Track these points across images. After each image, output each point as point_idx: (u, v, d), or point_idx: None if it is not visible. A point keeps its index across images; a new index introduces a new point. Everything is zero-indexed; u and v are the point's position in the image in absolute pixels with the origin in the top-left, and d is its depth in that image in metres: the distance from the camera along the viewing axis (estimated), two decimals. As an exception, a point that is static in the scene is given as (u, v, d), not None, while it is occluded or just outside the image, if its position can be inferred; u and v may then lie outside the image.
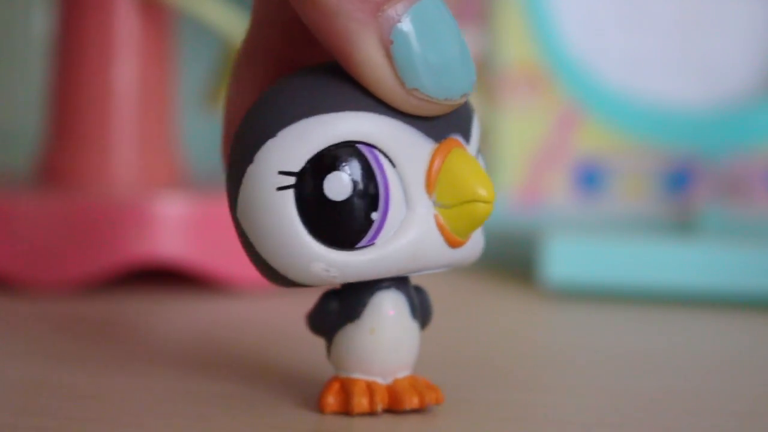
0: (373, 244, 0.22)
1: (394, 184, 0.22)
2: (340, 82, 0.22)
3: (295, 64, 0.25)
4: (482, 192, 0.22)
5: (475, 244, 0.23)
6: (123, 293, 0.38)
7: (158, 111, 0.42)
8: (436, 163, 0.22)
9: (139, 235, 0.38)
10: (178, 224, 0.38)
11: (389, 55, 0.22)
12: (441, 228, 0.22)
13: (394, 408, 0.23)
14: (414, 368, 0.24)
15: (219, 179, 0.47)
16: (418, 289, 0.25)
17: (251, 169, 0.22)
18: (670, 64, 0.52)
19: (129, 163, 0.41)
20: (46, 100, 0.43)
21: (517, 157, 0.47)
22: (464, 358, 0.30)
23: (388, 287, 0.23)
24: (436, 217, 0.22)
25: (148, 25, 0.41)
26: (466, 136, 0.23)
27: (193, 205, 0.38)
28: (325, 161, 0.22)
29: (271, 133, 0.22)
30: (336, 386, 0.24)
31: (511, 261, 0.44)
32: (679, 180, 0.50)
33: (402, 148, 0.22)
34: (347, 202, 0.22)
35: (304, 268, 0.22)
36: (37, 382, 0.26)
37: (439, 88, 0.22)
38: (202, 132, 0.53)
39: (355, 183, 0.22)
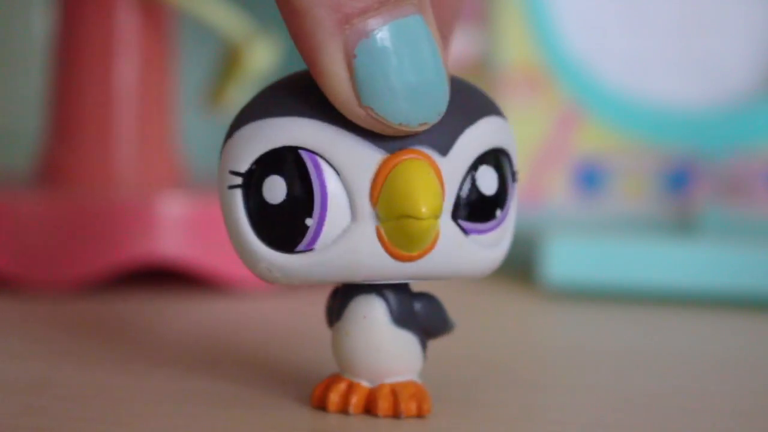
0: (312, 249, 0.22)
1: (335, 192, 0.22)
2: (301, 90, 0.22)
3: None
4: (418, 208, 0.21)
5: (460, 259, 0.23)
6: (123, 293, 0.38)
7: (158, 111, 0.42)
8: (381, 175, 0.22)
9: (139, 235, 0.38)
10: (179, 224, 0.38)
11: (351, 69, 0.21)
12: (381, 240, 0.22)
13: (370, 411, 0.24)
14: (417, 374, 0.24)
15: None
16: (425, 298, 0.24)
17: (219, 167, 0.23)
18: (670, 64, 0.52)
19: (129, 163, 0.41)
20: (46, 100, 0.43)
21: (517, 157, 0.47)
22: (464, 358, 0.30)
23: (367, 292, 0.23)
24: (377, 229, 0.22)
25: (148, 25, 0.41)
26: (442, 148, 0.22)
27: (193, 205, 0.38)
28: (266, 164, 0.22)
29: (230, 133, 0.23)
30: (326, 382, 0.24)
31: (511, 261, 0.44)
32: (679, 180, 0.50)
33: (348, 157, 0.22)
34: (282, 205, 0.22)
35: (253, 266, 0.23)
36: (37, 382, 0.26)
37: (396, 112, 0.21)
38: (202, 132, 0.53)
39: (290, 187, 0.22)
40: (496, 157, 0.23)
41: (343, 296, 0.24)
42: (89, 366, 0.28)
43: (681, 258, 0.40)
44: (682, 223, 0.49)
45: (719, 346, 0.35)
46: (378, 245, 0.22)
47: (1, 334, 0.32)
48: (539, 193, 0.49)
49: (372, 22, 0.21)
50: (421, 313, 0.24)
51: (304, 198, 0.22)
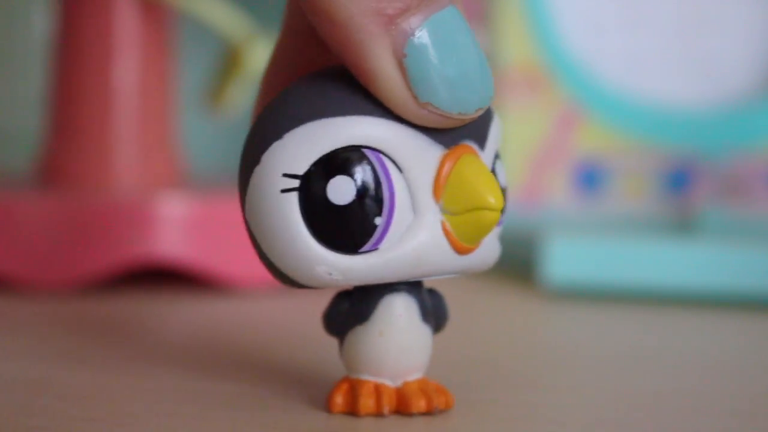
0: (377, 248, 0.22)
1: (400, 189, 0.22)
2: (348, 86, 0.22)
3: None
4: (489, 200, 0.22)
5: (487, 251, 0.23)
6: (123, 293, 0.38)
7: (158, 111, 0.42)
8: (444, 169, 0.22)
9: (139, 235, 0.38)
10: (179, 224, 0.38)
11: (402, 69, 0.21)
12: (447, 234, 0.22)
13: (401, 411, 0.23)
14: (426, 371, 0.24)
15: (219, 179, 0.47)
16: (433, 293, 0.24)
17: (258, 171, 0.22)
18: (670, 64, 0.52)
19: (129, 163, 0.41)
20: (46, 100, 0.43)
21: (517, 157, 0.47)
22: (464, 358, 0.30)
23: (398, 290, 0.23)
24: (442, 223, 0.22)
25: (148, 25, 0.41)
26: (481, 142, 0.23)
27: (194, 205, 0.38)
28: (329, 165, 0.22)
29: (277, 135, 0.22)
30: (345, 387, 0.24)
31: (511, 261, 0.44)
32: (679, 180, 0.50)
33: (409, 154, 0.22)
34: (351, 206, 0.22)
35: (307, 270, 0.22)
36: (37, 382, 0.26)
37: (454, 102, 0.22)
38: (202, 132, 0.53)
39: (359, 187, 0.22)
40: (498, 153, 0.24)
41: (366, 297, 0.23)
42: (89, 366, 0.28)
43: (681, 258, 0.40)
44: (682, 223, 0.49)
45: (719, 346, 0.35)
46: (443, 239, 0.22)
47: (1, 334, 0.32)
48: (539, 193, 0.49)
49: (414, 20, 0.21)
50: (433, 309, 0.24)
51: (373, 197, 0.22)
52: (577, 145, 0.50)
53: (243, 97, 0.44)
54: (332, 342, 0.26)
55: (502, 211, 0.23)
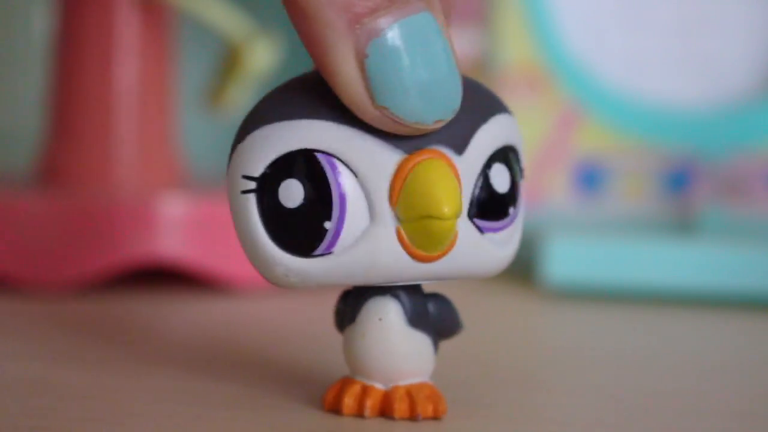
0: (330, 252, 0.22)
1: (353, 194, 0.22)
2: (314, 91, 0.22)
3: None
4: (441, 208, 0.21)
5: (468, 259, 0.23)
6: (123, 293, 0.38)
7: (158, 111, 0.42)
8: (400, 175, 0.22)
9: (139, 235, 0.38)
10: (179, 224, 0.38)
11: (363, 69, 0.21)
12: (402, 241, 0.22)
13: (386, 414, 0.23)
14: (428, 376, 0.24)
15: (219, 179, 0.47)
16: (439, 299, 0.24)
17: (228, 172, 0.23)
18: (670, 64, 0.52)
19: (129, 163, 0.41)
20: (46, 100, 0.43)
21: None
22: (464, 358, 0.30)
23: (383, 294, 0.23)
24: (397, 230, 0.22)
25: (148, 25, 0.41)
26: (459, 147, 0.22)
27: (194, 205, 0.38)
28: (281, 167, 0.22)
29: (242, 137, 0.23)
30: (338, 385, 0.24)
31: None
32: (679, 180, 0.50)
33: (365, 159, 0.22)
34: (299, 209, 0.22)
35: (269, 271, 0.23)
36: (37, 382, 0.26)
37: (410, 110, 0.21)
38: (202, 132, 0.53)
39: (307, 191, 0.22)
40: (506, 155, 0.23)
41: (356, 298, 0.24)
42: (89, 366, 0.28)
43: (681, 258, 0.40)
44: (682, 223, 0.49)
45: (719, 346, 0.35)
46: (398, 246, 0.22)
47: (1, 334, 0.32)
48: (539, 193, 0.49)
49: (382, 21, 0.21)
50: (434, 314, 0.24)
51: (322, 201, 0.22)
52: (577, 145, 0.50)
53: (243, 97, 0.44)
54: (331, 342, 0.26)
55: (504, 215, 0.22)
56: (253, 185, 0.22)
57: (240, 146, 0.23)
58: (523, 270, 0.43)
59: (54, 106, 0.42)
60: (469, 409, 0.25)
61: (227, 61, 0.43)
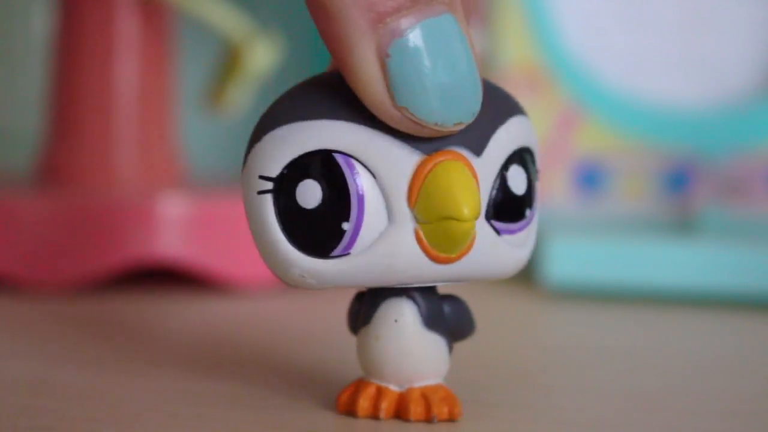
0: (348, 254, 0.22)
1: (371, 195, 0.22)
2: (333, 91, 0.22)
3: None
4: (461, 210, 0.21)
5: (486, 261, 0.23)
6: (123, 293, 0.38)
7: (158, 111, 0.42)
8: (419, 176, 0.22)
9: (139, 235, 0.38)
10: (179, 224, 0.38)
11: (384, 69, 0.21)
12: (420, 243, 0.22)
13: (400, 416, 0.23)
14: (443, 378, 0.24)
15: (219, 179, 0.47)
16: (454, 300, 0.24)
17: (244, 172, 0.23)
18: (670, 64, 0.52)
19: (129, 162, 0.41)
20: (46, 100, 0.43)
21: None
22: (463, 359, 0.30)
23: (398, 295, 0.23)
24: (416, 231, 0.22)
25: (148, 25, 0.41)
26: (477, 149, 0.22)
27: (194, 205, 0.38)
28: (299, 168, 0.22)
29: (258, 137, 0.22)
30: (352, 387, 0.24)
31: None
32: (679, 180, 0.50)
33: (384, 160, 0.22)
34: (317, 210, 0.22)
35: (285, 272, 0.22)
36: (37, 382, 0.26)
37: (430, 112, 0.21)
38: (202, 132, 0.53)
39: (325, 192, 0.22)
40: (523, 156, 0.23)
41: (371, 300, 0.23)
42: (89, 366, 0.28)
43: (681, 258, 0.40)
44: (682, 223, 0.49)
45: (719, 346, 0.35)
46: (416, 248, 0.22)
47: (1, 334, 0.32)
48: (539, 193, 0.49)
49: (405, 22, 0.21)
50: (449, 316, 0.24)
51: (340, 202, 0.22)
52: (577, 145, 0.50)
53: (243, 97, 0.44)
54: (332, 341, 0.26)
55: (521, 217, 0.22)
56: (270, 186, 0.22)
57: (257, 146, 0.22)
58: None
59: (54, 106, 0.42)
60: (468, 408, 0.25)
61: (227, 61, 0.43)
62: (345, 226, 0.22)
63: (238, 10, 0.43)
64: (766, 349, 0.34)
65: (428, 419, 0.23)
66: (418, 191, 0.22)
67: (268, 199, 0.22)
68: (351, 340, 0.25)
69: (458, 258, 0.22)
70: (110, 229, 0.38)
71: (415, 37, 0.21)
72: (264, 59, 0.43)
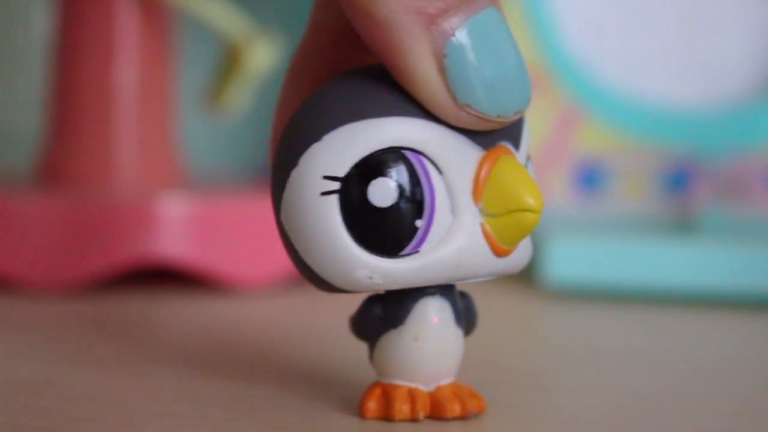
0: (417, 251, 0.22)
1: (440, 191, 0.22)
2: (386, 87, 0.22)
3: (348, 68, 0.24)
4: (530, 201, 0.22)
5: (521, 253, 0.23)
6: (123, 293, 0.38)
7: (158, 111, 0.42)
8: (484, 170, 0.22)
9: (139, 235, 0.38)
10: (179, 224, 0.38)
11: (442, 70, 0.21)
12: (487, 237, 0.22)
13: (435, 416, 0.23)
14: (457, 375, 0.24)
15: (219, 179, 0.47)
16: (465, 296, 0.24)
17: (296, 173, 0.22)
18: (670, 64, 0.52)
19: (129, 163, 0.41)
20: (46, 100, 0.43)
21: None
22: (463, 358, 0.30)
23: (433, 294, 0.23)
24: (482, 225, 0.22)
25: (148, 25, 0.41)
26: (516, 143, 0.23)
27: (194, 205, 0.38)
28: (370, 166, 0.22)
29: (317, 136, 0.22)
30: (378, 392, 0.23)
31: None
32: (679, 180, 0.50)
33: (449, 155, 0.22)
34: (392, 208, 0.22)
35: (347, 274, 0.22)
36: (37, 382, 0.26)
37: (493, 104, 0.21)
38: (202, 132, 0.53)
39: (400, 189, 0.22)
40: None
41: (399, 301, 0.23)
42: (89, 366, 0.28)
43: (681, 258, 0.40)
44: (682, 223, 0.49)
45: (719, 346, 0.35)
46: (483, 242, 0.22)
47: (1, 334, 0.32)
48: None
49: (455, 20, 0.21)
50: (465, 312, 0.24)
51: (415, 200, 0.22)
52: (577, 145, 0.50)
53: (243, 97, 0.44)
54: (332, 341, 0.26)
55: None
56: (336, 186, 0.22)
57: (315, 146, 0.22)
58: (523, 270, 0.43)
59: (54, 106, 0.42)
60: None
61: (227, 61, 0.43)
62: (418, 223, 0.22)
63: (238, 10, 0.43)
64: (766, 349, 0.34)
65: (464, 416, 0.23)
66: (483, 186, 0.22)
67: (333, 199, 0.22)
68: (352, 340, 0.25)
69: (513, 250, 0.23)
70: (110, 229, 0.38)
71: (467, 34, 0.21)
72: (264, 59, 0.43)
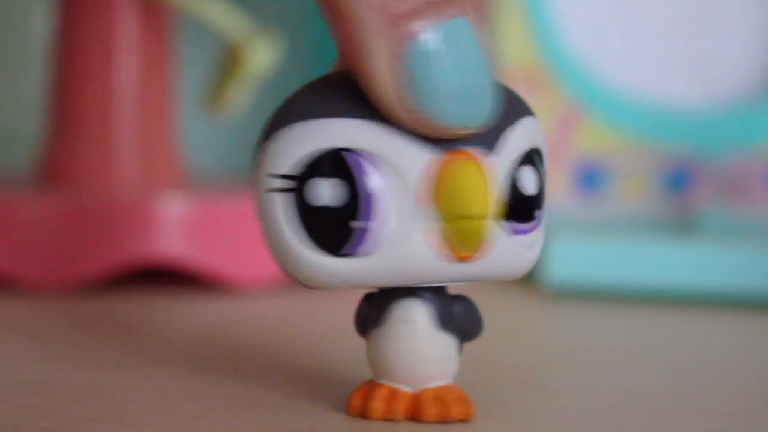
0: (358, 253, 0.22)
1: (382, 193, 0.22)
2: (344, 90, 0.22)
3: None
4: (470, 209, 0.21)
5: (502, 260, 0.23)
6: (123, 293, 0.38)
7: (158, 111, 0.42)
8: (431, 175, 0.22)
9: (139, 234, 0.38)
10: (179, 224, 0.38)
11: (395, 71, 0.21)
12: (433, 241, 0.22)
13: (415, 418, 0.23)
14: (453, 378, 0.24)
15: (219, 179, 0.47)
16: (463, 300, 0.24)
17: (253, 171, 0.23)
18: (670, 64, 0.52)
19: (129, 163, 0.41)
20: (46, 100, 0.43)
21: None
22: (464, 359, 0.30)
23: (412, 296, 0.23)
24: (427, 230, 0.22)
25: (148, 25, 0.41)
26: (491, 146, 0.22)
27: (194, 205, 0.38)
28: (309, 166, 0.22)
29: (269, 135, 0.23)
30: (363, 389, 0.24)
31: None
32: (679, 180, 0.50)
33: (396, 158, 0.22)
34: (324, 208, 0.22)
35: (296, 270, 0.22)
36: (37, 382, 0.26)
37: (441, 115, 0.21)
38: (202, 132, 0.53)
39: (334, 190, 0.22)
40: (532, 157, 0.23)
41: (382, 301, 0.23)
42: (89, 366, 0.28)
43: (681, 258, 0.40)
44: (682, 223, 0.49)
45: (719, 346, 0.35)
46: (428, 246, 0.22)
47: (1, 334, 0.32)
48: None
49: (418, 24, 0.21)
50: (459, 316, 0.24)
51: (349, 201, 0.22)
52: (577, 145, 0.50)
53: (243, 97, 0.44)
54: (333, 341, 0.26)
55: (531, 217, 0.22)
56: (279, 183, 0.22)
57: (267, 144, 0.22)
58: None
59: (54, 106, 0.42)
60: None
61: (227, 61, 0.43)
62: (354, 224, 0.22)
63: (238, 10, 0.43)
64: (766, 349, 0.34)
65: (444, 420, 0.23)
66: (430, 190, 0.22)
67: (278, 197, 0.22)
68: (352, 339, 0.25)
69: (473, 257, 0.22)
70: (110, 229, 0.38)
71: (427, 41, 0.21)
72: (264, 59, 0.43)
